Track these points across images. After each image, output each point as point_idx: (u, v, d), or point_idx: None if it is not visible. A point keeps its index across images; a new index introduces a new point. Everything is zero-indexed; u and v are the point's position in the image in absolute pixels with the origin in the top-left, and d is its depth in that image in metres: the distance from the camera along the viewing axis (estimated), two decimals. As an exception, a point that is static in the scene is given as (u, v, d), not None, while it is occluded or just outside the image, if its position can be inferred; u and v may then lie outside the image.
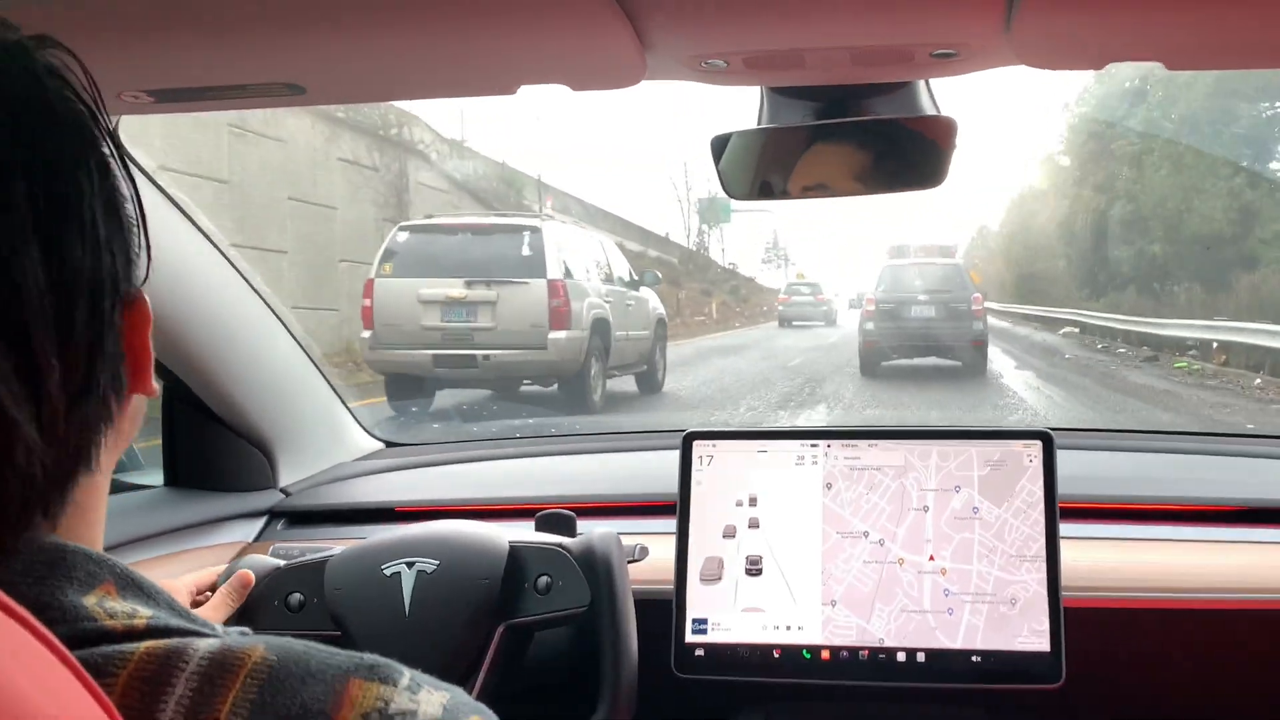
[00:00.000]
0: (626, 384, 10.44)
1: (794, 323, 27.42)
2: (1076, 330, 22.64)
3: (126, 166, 0.62)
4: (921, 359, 12.85)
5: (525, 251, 8.85)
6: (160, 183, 1.47)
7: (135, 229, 0.62)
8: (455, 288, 8.71)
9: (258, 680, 0.54)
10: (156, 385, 0.64)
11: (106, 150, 0.60)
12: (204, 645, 0.55)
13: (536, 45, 0.97)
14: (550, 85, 1.05)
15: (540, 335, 8.58)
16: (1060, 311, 25.42)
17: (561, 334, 8.66)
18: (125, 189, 0.61)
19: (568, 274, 9.08)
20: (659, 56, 0.99)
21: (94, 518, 0.61)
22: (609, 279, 10.39)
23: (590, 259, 10.19)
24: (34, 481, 0.53)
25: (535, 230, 9.14)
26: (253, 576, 1.27)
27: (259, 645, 0.56)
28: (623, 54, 0.96)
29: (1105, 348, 18.51)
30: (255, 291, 1.69)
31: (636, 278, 11.28)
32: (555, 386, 9.26)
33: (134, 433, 0.66)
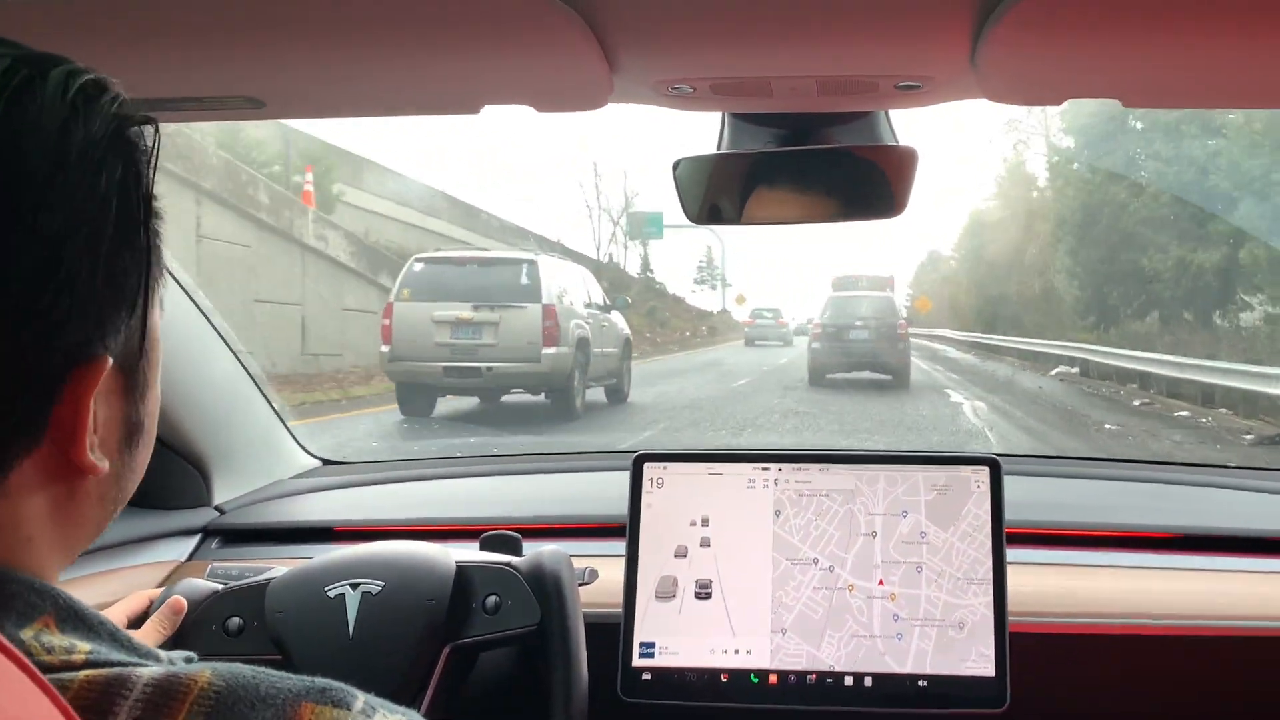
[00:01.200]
0: (595, 395, 11.67)
1: (757, 342, 31.91)
2: (1074, 370, 17.76)
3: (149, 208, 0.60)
4: (858, 373, 15.36)
5: (524, 280, 10.52)
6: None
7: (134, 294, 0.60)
8: (464, 310, 10.26)
9: (204, 707, 0.53)
10: (103, 465, 0.60)
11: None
12: (147, 673, 0.54)
13: (503, 65, 0.96)
14: (515, 106, 1.03)
15: (535, 350, 10.11)
16: (1049, 345, 20.50)
17: (552, 350, 10.18)
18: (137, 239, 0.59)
19: (558, 299, 10.68)
20: (626, 79, 0.98)
21: (34, 562, 0.59)
22: (588, 304, 12.00)
23: (574, 286, 11.82)
24: None
25: (532, 263, 10.86)
26: (184, 603, 1.22)
27: (205, 671, 0.55)
28: (590, 76, 0.95)
29: (1144, 404, 13.61)
30: (195, 305, 1.64)
31: (609, 303, 13.02)
32: (543, 395, 10.69)
33: (99, 519, 0.64)
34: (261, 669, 0.57)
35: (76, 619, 0.57)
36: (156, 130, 0.59)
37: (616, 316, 12.93)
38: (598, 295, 12.66)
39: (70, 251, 0.54)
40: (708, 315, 41.66)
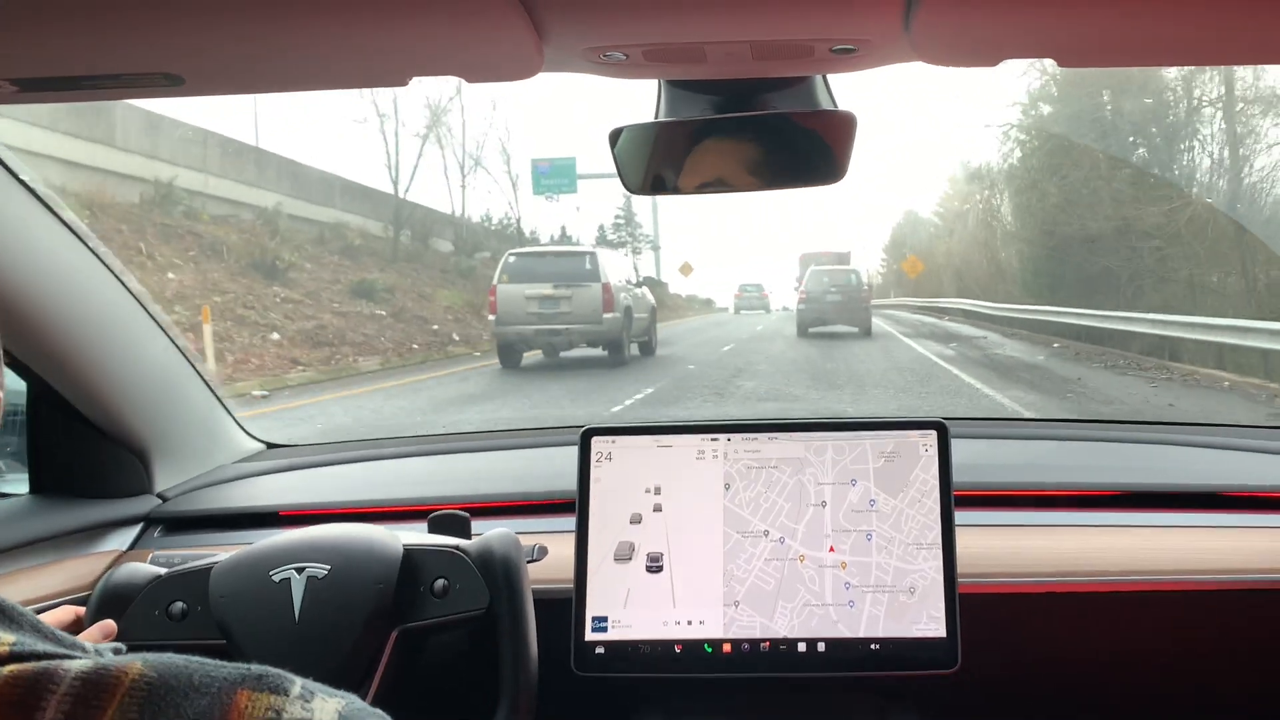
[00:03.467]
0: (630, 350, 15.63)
1: (742, 310, 41.19)
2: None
3: None
4: (832, 326, 20.68)
5: (587, 266, 14.66)
6: (26, 178, 1.37)
7: None
8: (546, 288, 14.22)
9: (136, 699, 0.52)
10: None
11: None
12: (75, 666, 0.52)
13: (429, 36, 0.93)
14: (444, 77, 1.01)
15: (598, 315, 14.18)
16: (1044, 311, 19.58)
17: (609, 314, 14.24)
18: None
19: (611, 279, 14.66)
20: (556, 48, 0.96)
21: None
22: (628, 281, 16.43)
23: (620, 269, 16.39)
24: None
25: (593, 254, 15.34)
26: (115, 628, 1.19)
27: (136, 662, 0.53)
28: (518, 45, 0.93)
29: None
30: (127, 290, 1.60)
31: (640, 280, 18.37)
32: (601, 349, 14.81)
33: None
34: (195, 658, 0.56)
35: None
36: None
37: (644, 290, 17.13)
38: (633, 275, 17.54)
39: None
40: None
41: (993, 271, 29.06)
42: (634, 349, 15.76)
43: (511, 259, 14.97)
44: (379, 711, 0.60)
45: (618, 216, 43.99)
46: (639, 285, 17.10)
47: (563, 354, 15.11)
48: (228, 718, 0.53)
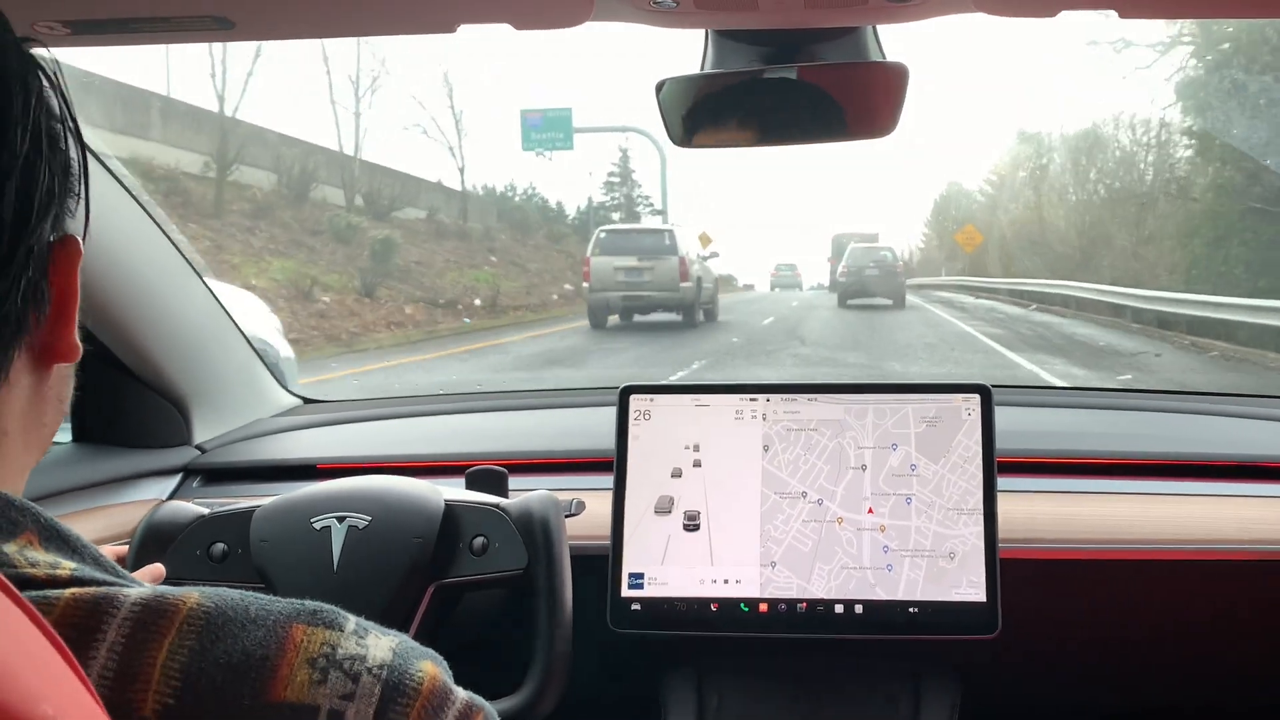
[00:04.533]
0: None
1: (777, 288, 44.13)
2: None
3: (73, 114, 0.60)
4: (869, 299, 22.28)
5: (666, 242, 16.97)
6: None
7: (75, 178, 0.61)
8: (632, 260, 16.41)
9: (195, 627, 0.53)
10: (79, 349, 0.62)
11: (43, 88, 0.58)
12: (135, 593, 0.53)
13: None
14: (492, 25, 0.99)
15: (676, 284, 16.38)
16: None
17: (685, 283, 16.47)
18: (67, 138, 0.60)
19: (686, 253, 16.84)
20: None
21: (7, 461, 0.59)
22: (699, 256, 18.47)
23: (692, 244, 18.45)
24: None
25: (671, 231, 17.52)
26: (163, 571, 1.20)
27: (193, 593, 0.54)
28: None
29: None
30: (172, 244, 1.61)
31: (707, 254, 20.35)
32: (676, 313, 16.93)
33: (59, 410, 0.64)
34: (250, 592, 0.57)
35: (59, 538, 0.57)
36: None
37: (711, 263, 19.86)
38: (700, 249, 19.48)
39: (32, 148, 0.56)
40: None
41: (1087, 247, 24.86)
42: (699, 315, 18.07)
43: (603, 235, 17.65)
44: (431, 651, 0.60)
45: (611, 174, 38.18)
46: (705, 259, 19.44)
47: (637, 318, 17.25)
48: (283, 650, 0.54)
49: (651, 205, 37.72)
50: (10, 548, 0.54)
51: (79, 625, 0.51)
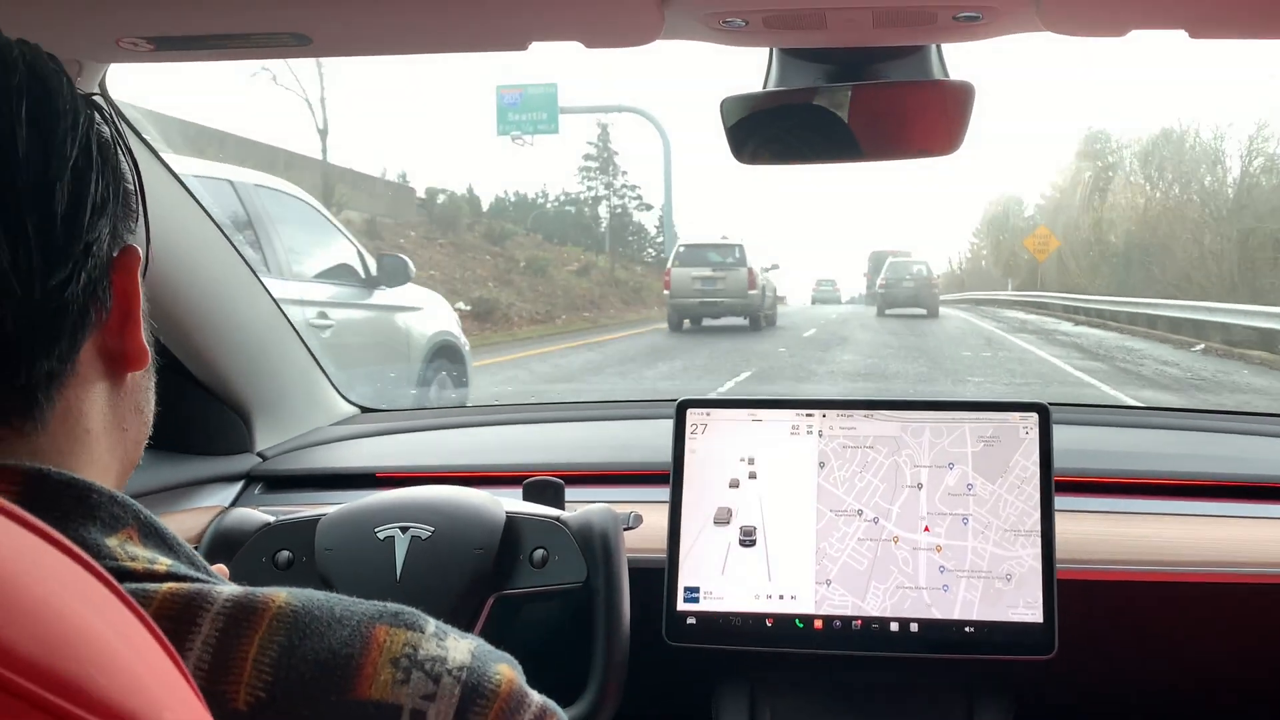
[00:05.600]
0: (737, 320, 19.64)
1: (818, 302, 45.42)
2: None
3: (128, 145, 0.63)
4: (905, 309, 24.55)
5: (737, 255, 18.89)
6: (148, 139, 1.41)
7: (134, 200, 0.64)
8: (706, 271, 18.62)
9: (284, 624, 0.54)
10: (148, 354, 0.65)
11: (94, 117, 0.60)
12: (227, 590, 0.56)
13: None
14: (563, 42, 1.01)
15: (744, 292, 18.58)
16: None
17: (753, 291, 18.64)
18: (121, 162, 0.63)
19: (753, 265, 18.91)
20: (677, 13, 0.96)
21: (92, 460, 0.61)
22: (764, 268, 20.38)
23: (761, 256, 20.64)
24: (4, 326, 0.54)
25: (741, 245, 19.22)
26: (227, 573, 1.23)
27: (281, 592, 0.56)
28: (640, 9, 0.93)
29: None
30: (237, 253, 1.64)
31: (769, 266, 21.93)
32: (744, 318, 19.04)
33: (141, 420, 0.67)
34: (334, 594, 0.59)
35: (157, 535, 0.59)
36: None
37: (773, 273, 22.05)
38: (766, 262, 21.72)
39: (81, 156, 0.58)
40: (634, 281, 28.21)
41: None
42: (763, 321, 20.47)
43: (681, 249, 19.75)
44: (507, 655, 0.61)
45: (589, 159, 32.04)
46: (768, 270, 21.52)
47: (706, 322, 19.29)
48: (368, 649, 0.55)
49: (640, 198, 32.90)
50: (112, 541, 0.56)
51: (175, 618, 0.53)
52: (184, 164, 5.50)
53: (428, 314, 6.59)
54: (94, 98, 0.62)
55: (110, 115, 0.62)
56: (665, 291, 19.49)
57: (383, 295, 6.32)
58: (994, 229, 45.43)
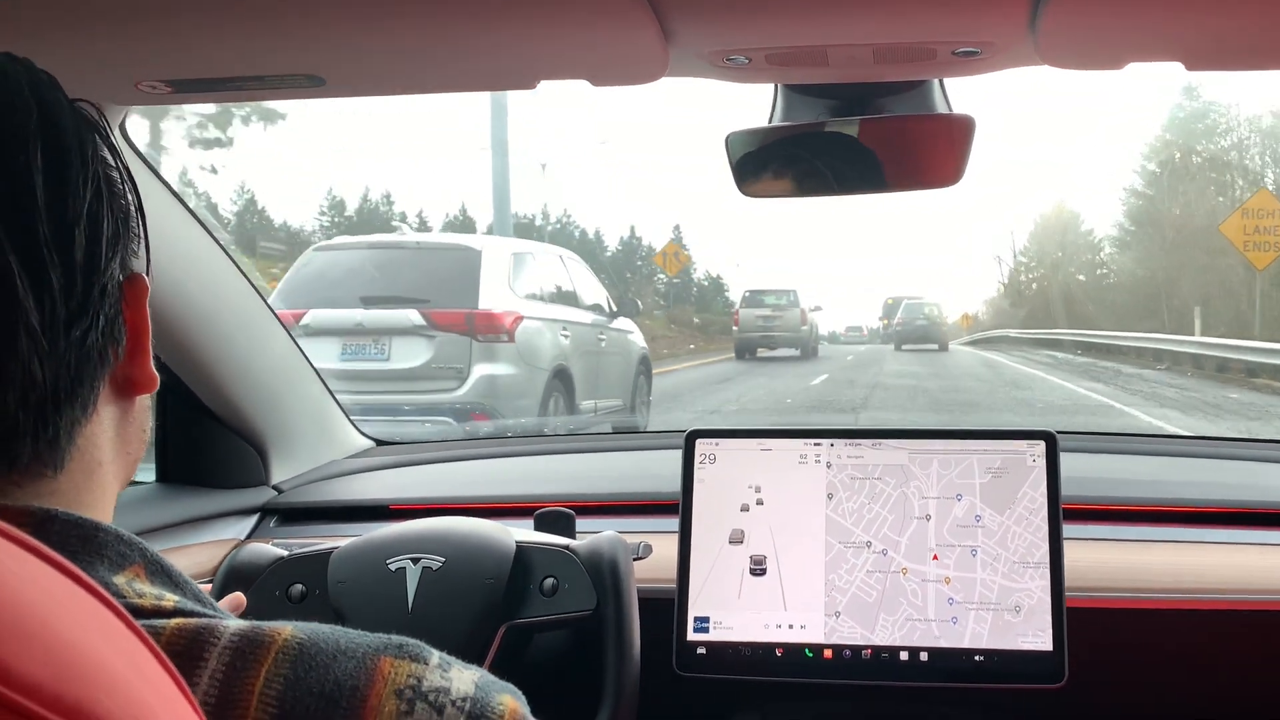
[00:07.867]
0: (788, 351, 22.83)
1: (843, 343, 47.54)
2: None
3: (124, 164, 0.64)
4: (918, 345, 27.32)
5: (791, 298, 22.37)
6: (164, 176, 1.44)
7: (135, 221, 0.65)
8: (766, 311, 22.12)
9: (289, 657, 0.55)
10: (157, 378, 0.66)
11: (98, 142, 0.62)
12: (233, 624, 0.56)
13: (558, 39, 0.96)
14: (570, 81, 1.04)
15: (797, 327, 21.97)
16: None
17: (804, 327, 22.15)
18: (124, 185, 0.64)
19: (805, 306, 22.44)
20: (681, 51, 0.98)
21: (102, 491, 0.63)
22: (813, 308, 23.90)
23: (808, 298, 25.03)
24: (34, 381, 0.55)
25: (794, 291, 22.64)
26: (244, 600, 1.25)
27: (287, 626, 0.57)
28: (645, 48, 0.95)
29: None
30: (253, 287, 1.67)
31: (815, 307, 25.09)
32: (796, 349, 22.18)
33: (142, 439, 0.68)
34: (339, 627, 0.59)
35: (163, 572, 0.60)
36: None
37: (817, 313, 25.45)
38: (812, 303, 25.05)
39: (94, 196, 0.60)
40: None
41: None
42: (810, 351, 24.18)
43: (747, 294, 23.46)
44: (510, 685, 0.62)
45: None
46: (815, 310, 25.16)
47: (762, 353, 22.38)
48: (372, 681, 0.56)
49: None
50: (120, 579, 0.57)
51: (183, 653, 0.54)
52: (521, 245, 9.10)
53: (635, 336, 9.77)
54: (87, 108, 0.63)
55: (105, 129, 0.63)
56: (734, 327, 23.05)
57: (618, 322, 9.40)
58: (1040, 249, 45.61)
